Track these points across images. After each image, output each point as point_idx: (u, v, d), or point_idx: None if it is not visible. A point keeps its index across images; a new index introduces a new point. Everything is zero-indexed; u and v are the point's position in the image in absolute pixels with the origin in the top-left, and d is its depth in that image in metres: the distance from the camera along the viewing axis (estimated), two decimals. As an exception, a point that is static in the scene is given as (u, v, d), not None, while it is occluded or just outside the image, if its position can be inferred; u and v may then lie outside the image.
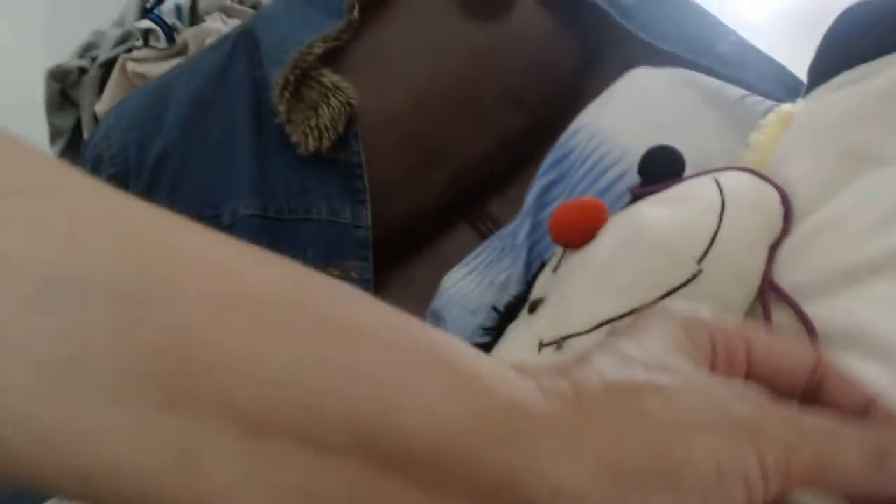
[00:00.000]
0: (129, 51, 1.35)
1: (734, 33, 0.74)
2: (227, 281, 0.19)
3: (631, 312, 0.38)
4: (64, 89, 1.32)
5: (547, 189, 0.63)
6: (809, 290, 0.41)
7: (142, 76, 1.42)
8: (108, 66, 1.36)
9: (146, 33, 1.30)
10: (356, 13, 0.75)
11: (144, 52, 1.34)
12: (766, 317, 0.41)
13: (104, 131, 0.74)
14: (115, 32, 1.38)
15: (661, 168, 0.48)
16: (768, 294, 0.42)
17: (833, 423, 0.22)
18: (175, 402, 0.17)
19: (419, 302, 0.70)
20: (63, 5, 1.47)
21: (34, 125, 1.27)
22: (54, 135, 1.30)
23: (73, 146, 1.27)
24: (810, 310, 0.40)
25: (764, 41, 0.75)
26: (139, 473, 0.17)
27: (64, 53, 1.33)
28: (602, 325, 0.39)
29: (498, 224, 0.77)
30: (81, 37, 1.38)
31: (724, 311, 0.40)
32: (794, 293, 0.41)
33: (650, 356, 0.22)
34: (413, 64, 0.78)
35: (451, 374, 0.20)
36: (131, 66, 1.38)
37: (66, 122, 1.31)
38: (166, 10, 1.30)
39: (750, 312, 0.42)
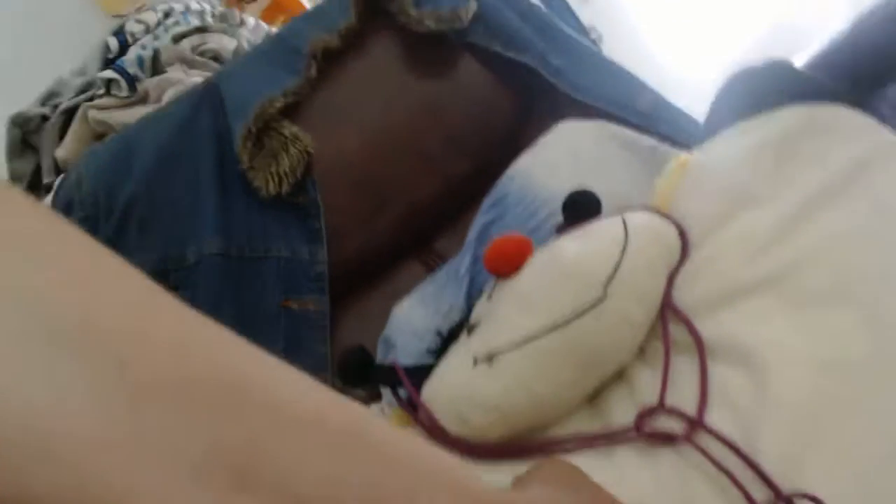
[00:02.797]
0: (90, 99, 1.39)
1: (652, 91, 0.83)
2: (288, 400, 0.25)
3: (550, 330, 0.45)
4: (25, 135, 1.35)
5: (486, 227, 0.70)
6: (700, 309, 0.48)
7: (103, 123, 1.45)
8: (70, 113, 1.39)
9: (108, 82, 1.34)
10: (314, 71, 0.81)
11: (106, 101, 1.38)
12: (665, 331, 0.48)
13: (75, 178, 0.78)
14: (78, 81, 1.42)
15: (580, 209, 0.55)
16: (667, 312, 0.49)
17: None
18: (244, 487, 0.23)
19: (373, 331, 0.75)
20: (26, 55, 1.51)
21: (-6, 169, 1.30)
22: (14, 179, 1.32)
23: (31, 190, 1.29)
24: (700, 325, 0.47)
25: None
26: None
27: (26, 101, 1.37)
28: (525, 342, 0.45)
29: (444, 260, 0.82)
30: (43, 85, 1.41)
31: (630, 327, 0.47)
32: (688, 312, 0.48)
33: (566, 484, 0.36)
34: (365, 115, 0.83)
35: (454, 485, 0.27)
36: (93, 113, 1.41)
37: (26, 167, 1.33)
38: (128, 60, 1.35)
39: (652, 328, 0.49)
